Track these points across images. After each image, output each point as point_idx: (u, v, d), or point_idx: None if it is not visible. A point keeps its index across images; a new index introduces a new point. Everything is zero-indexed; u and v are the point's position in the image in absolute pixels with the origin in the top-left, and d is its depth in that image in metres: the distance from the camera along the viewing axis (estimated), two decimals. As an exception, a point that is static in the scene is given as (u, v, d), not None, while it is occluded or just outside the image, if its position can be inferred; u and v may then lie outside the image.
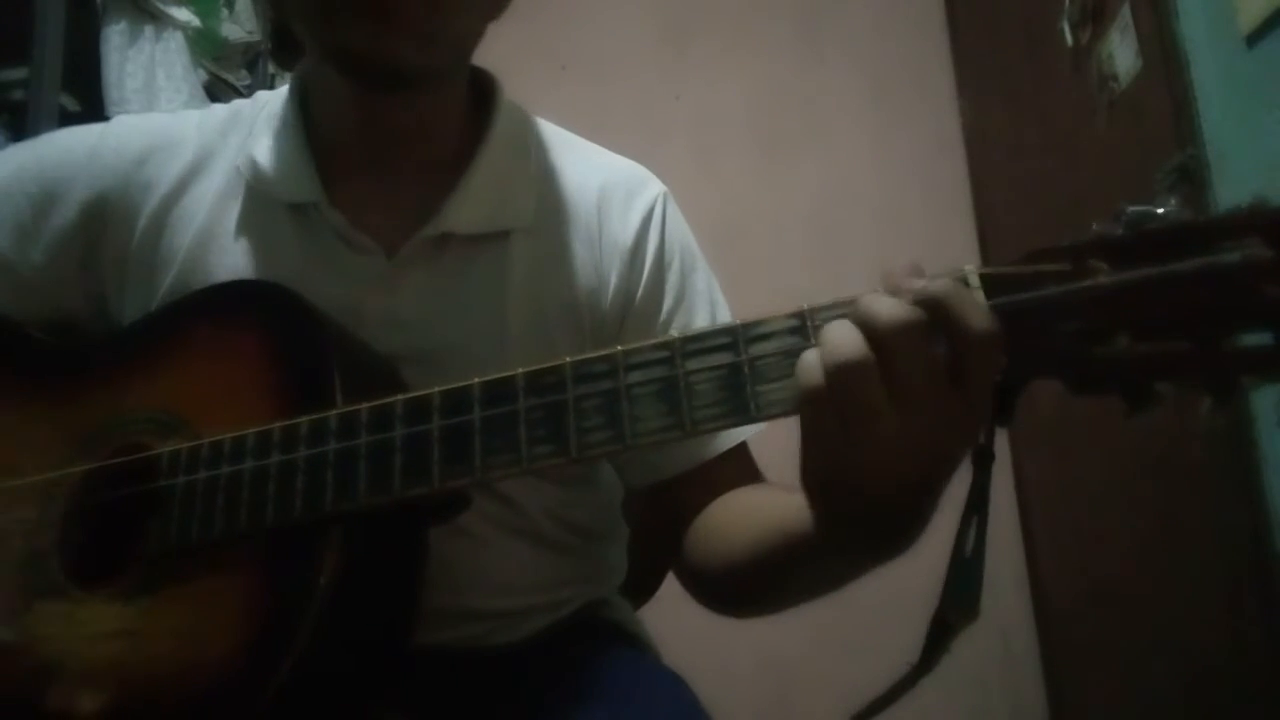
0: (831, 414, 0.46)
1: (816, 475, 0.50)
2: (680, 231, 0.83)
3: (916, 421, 0.45)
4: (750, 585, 0.70)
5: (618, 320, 0.77)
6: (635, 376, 0.51)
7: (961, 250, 2.24)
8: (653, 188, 0.84)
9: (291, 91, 0.79)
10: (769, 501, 0.68)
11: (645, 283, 0.78)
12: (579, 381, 0.52)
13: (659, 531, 0.81)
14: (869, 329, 0.45)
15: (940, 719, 1.89)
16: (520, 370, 0.54)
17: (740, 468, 0.78)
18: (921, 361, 0.44)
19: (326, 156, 0.76)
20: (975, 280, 0.46)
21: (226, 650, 0.56)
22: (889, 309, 0.45)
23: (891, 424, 0.45)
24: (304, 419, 0.58)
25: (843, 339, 0.45)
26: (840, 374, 0.45)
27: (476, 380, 0.55)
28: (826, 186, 2.39)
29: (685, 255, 0.82)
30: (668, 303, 0.79)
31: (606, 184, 0.81)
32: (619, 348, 0.52)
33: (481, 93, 0.82)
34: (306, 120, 0.77)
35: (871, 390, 0.45)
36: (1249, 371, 0.43)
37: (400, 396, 0.57)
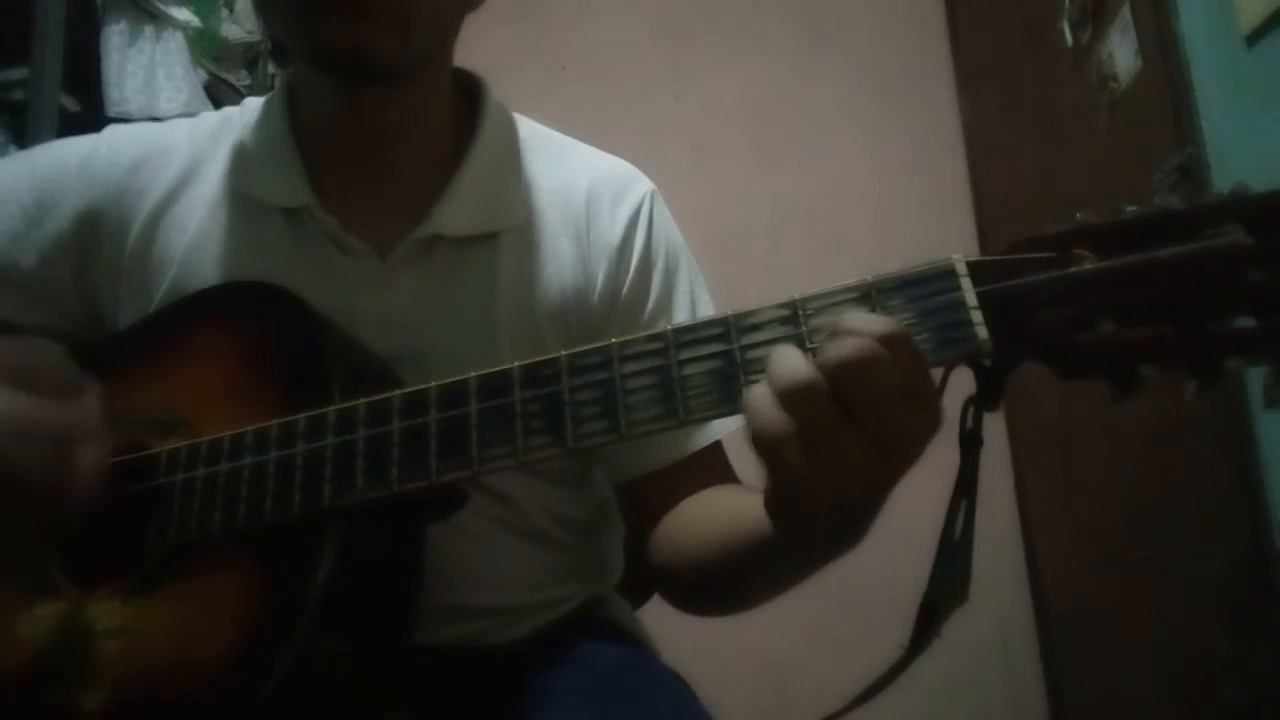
0: (791, 441, 0.46)
1: (779, 501, 0.51)
2: (667, 230, 0.83)
3: (878, 439, 0.46)
4: (711, 584, 0.71)
5: (604, 317, 0.78)
6: (629, 367, 0.51)
7: (961, 250, 2.24)
8: (640, 186, 0.84)
9: (279, 96, 0.80)
10: (732, 503, 0.69)
11: (631, 280, 0.79)
12: (574, 373, 0.52)
13: (629, 527, 0.81)
14: (820, 361, 0.46)
15: (940, 718, 1.89)
16: (516, 363, 0.54)
17: (712, 467, 0.78)
18: (870, 374, 0.45)
19: (316, 160, 0.76)
20: (963, 268, 0.48)
21: (225, 647, 0.56)
22: (837, 346, 0.46)
23: (852, 444, 0.46)
24: (302, 415, 0.58)
25: (791, 362, 0.46)
26: (794, 398, 0.46)
27: (472, 374, 0.55)
28: (826, 186, 2.39)
29: (670, 254, 0.82)
30: (651, 302, 0.80)
31: (595, 183, 0.82)
32: (613, 340, 0.52)
33: (468, 94, 0.82)
34: (295, 124, 0.78)
35: (827, 412, 0.46)
36: (1232, 353, 0.44)
37: (397, 392, 0.57)
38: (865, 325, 0.46)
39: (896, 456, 0.47)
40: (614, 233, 0.79)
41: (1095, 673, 1.89)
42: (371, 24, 0.66)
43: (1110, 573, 1.80)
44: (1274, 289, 0.43)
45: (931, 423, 0.47)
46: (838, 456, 0.46)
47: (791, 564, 0.61)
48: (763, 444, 0.47)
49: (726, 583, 0.70)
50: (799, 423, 0.46)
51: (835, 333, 0.46)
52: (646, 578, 0.81)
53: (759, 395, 0.47)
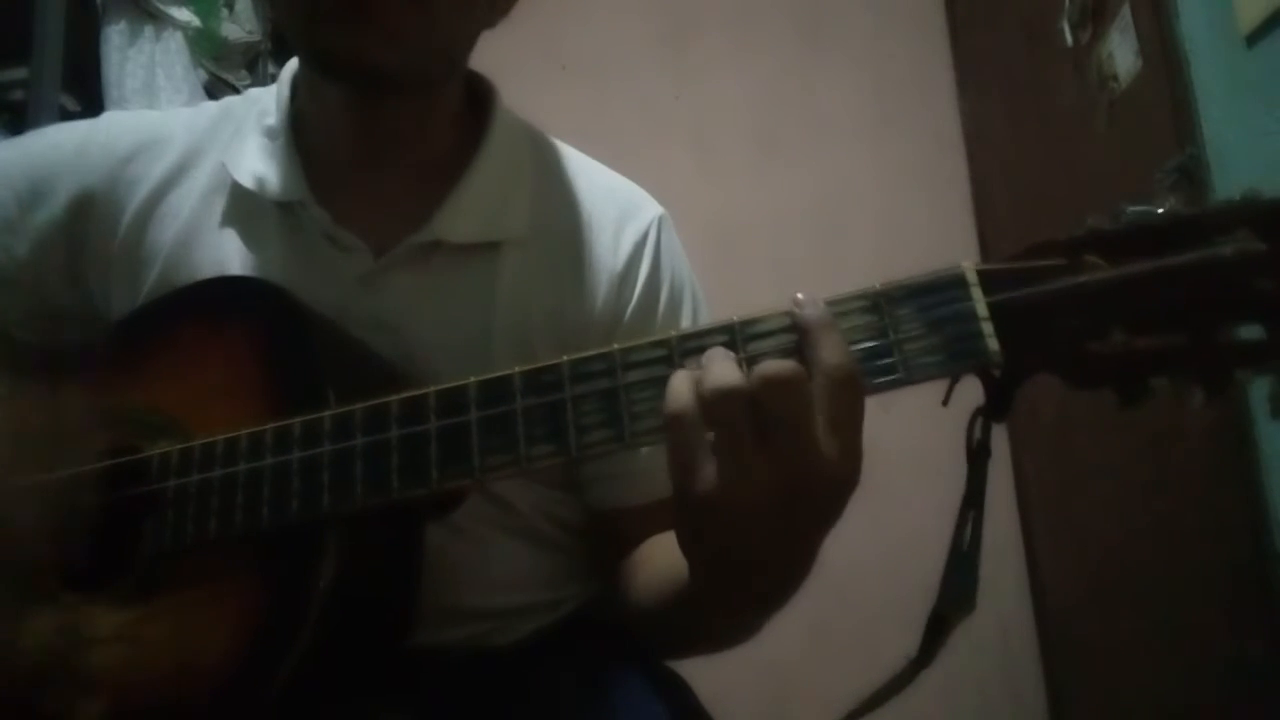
0: (698, 443, 0.46)
1: (685, 531, 0.51)
2: (673, 259, 0.82)
3: (783, 465, 0.45)
4: (658, 632, 0.72)
5: (602, 341, 0.77)
6: (633, 375, 0.50)
7: (961, 251, 2.23)
8: (648, 212, 0.83)
9: (280, 88, 0.79)
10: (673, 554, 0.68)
11: (633, 308, 0.78)
12: (576, 381, 0.51)
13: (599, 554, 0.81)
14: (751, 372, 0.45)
15: (940, 718, 1.89)
16: (516, 369, 0.53)
17: None
18: (793, 399, 0.45)
19: (315, 155, 0.76)
20: (973, 277, 0.47)
21: (224, 654, 0.56)
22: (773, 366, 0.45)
23: (758, 461, 0.45)
24: (297, 420, 0.57)
25: (723, 366, 0.46)
26: (714, 400, 0.45)
27: (472, 379, 0.54)
28: (826, 186, 2.39)
29: (675, 284, 0.81)
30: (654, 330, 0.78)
31: (602, 204, 0.80)
32: (615, 346, 0.51)
33: (477, 97, 0.81)
34: (294, 118, 0.77)
35: (741, 420, 0.45)
36: (1242, 364, 0.43)
37: (395, 397, 0.56)
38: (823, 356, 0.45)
39: (806, 493, 0.46)
40: (618, 258, 0.78)
41: (1095, 673, 1.89)
42: (374, 34, 0.65)
43: (1110, 573, 1.80)
44: None
45: (849, 466, 0.46)
46: (744, 468, 0.45)
47: (708, 615, 0.61)
48: (672, 423, 0.47)
49: (654, 627, 0.71)
50: (711, 424, 0.45)
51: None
52: (611, 610, 0.80)
53: (680, 382, 0.47)
